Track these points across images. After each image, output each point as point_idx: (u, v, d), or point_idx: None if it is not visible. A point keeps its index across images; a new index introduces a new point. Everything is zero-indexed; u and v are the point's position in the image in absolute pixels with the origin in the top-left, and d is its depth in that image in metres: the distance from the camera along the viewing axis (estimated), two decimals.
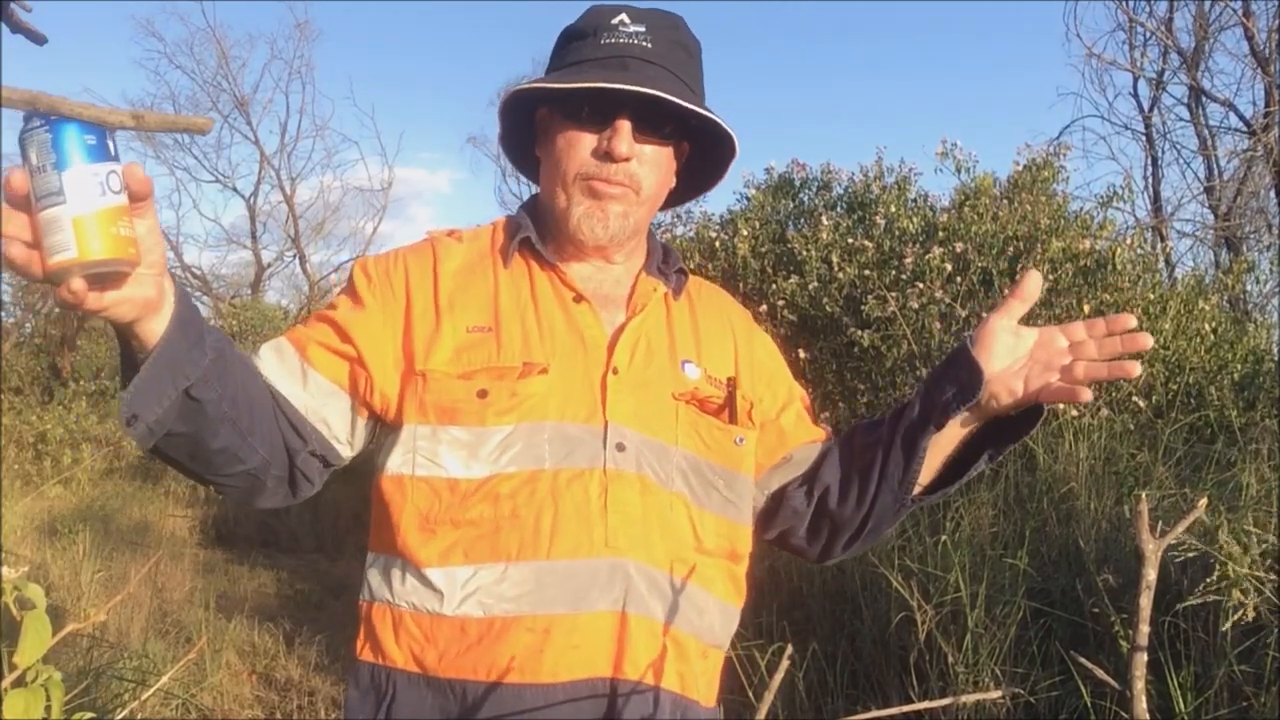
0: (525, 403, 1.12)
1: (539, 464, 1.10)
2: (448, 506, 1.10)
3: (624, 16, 1.20)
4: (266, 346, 1.18)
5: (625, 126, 1.16)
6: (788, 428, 1.31)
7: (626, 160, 1.17)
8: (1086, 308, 4.70)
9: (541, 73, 1.28)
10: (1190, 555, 2.41)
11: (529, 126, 1.28)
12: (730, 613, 1.22)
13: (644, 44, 1.18)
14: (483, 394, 1.11)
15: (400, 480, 1.13)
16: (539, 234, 1.24)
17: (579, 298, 1.20)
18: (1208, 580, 2.26)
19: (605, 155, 1.17)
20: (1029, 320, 1.18)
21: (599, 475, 1.11)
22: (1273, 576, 2.37)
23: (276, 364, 1.16)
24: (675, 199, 1.34)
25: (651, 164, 1.20)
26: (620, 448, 1.13)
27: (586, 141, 1.18)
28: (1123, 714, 2.46)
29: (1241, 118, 8.81)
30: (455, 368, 1.13)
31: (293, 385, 1.15)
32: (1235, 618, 2.21)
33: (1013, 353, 1.16)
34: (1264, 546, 2.34)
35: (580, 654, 1.07)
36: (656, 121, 1.18)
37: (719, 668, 1.24)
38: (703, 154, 1.29)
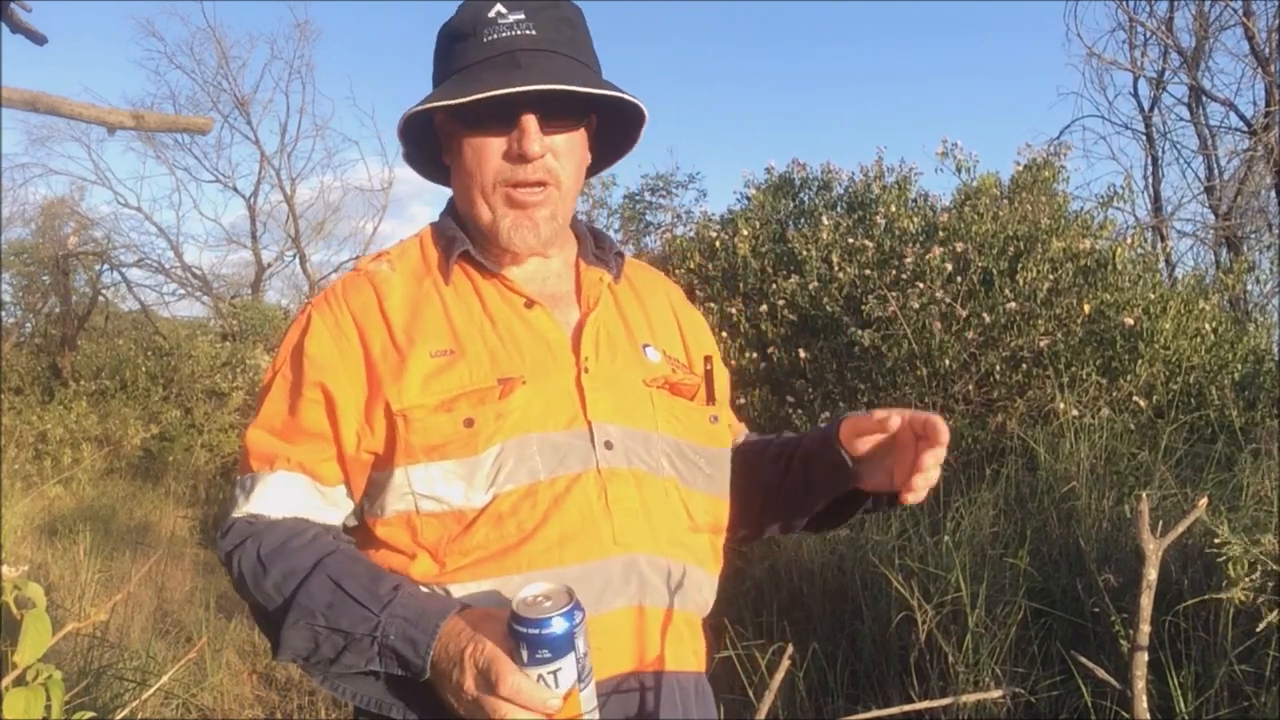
0: (509, 420, 1.10)
1: (534, 476, 1.10)
2: (454, 538, 1.09)
3: (500, 7, 1.15)
4: (288, 496, 1.14)
5: (532, 124, 1.13)
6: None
7: (540, 158, 1.14)
8: (1086, 308, 4.70)
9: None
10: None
11: (430, 133, 1.23)
12: (714, 582, 1.24)
13: (528, 32, 1.14)
14: (469, 423, 1.09)
15: (409, 519, 1.11)
16: (472, 241, 1.21)
17: (530, 302, 1.19)
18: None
19: (519, 157, 1.14)
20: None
21: (594, 476, 1.11)
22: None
23: (306, 506, 1.15)
24: (590, 170, 1.32)
25: (566, 153, 1.17)
26: (608, 445, 1.13)
27: (494, 146, 1.15)
28: (1123, 714, 2.46)
29: (1242, 117, 8.82)
30: (430, 397, 1.10)
31: (326, 514, 1.16)
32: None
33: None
34: (1265, 546, 2.34)
35: (603, 655, 1.05)
36: (560, 109, 1.14)
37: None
38: (610, 121, 1.26)
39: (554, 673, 0.94)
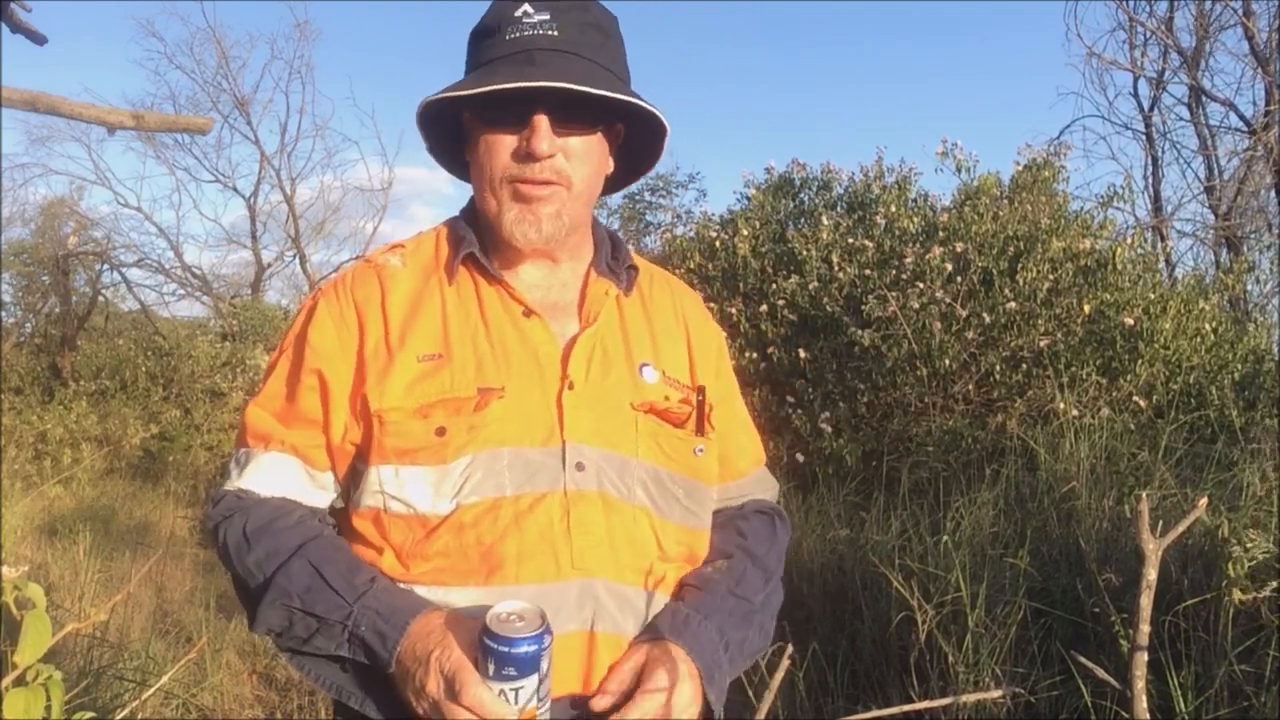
0: (483, 432, 1.11)
1: (500, 491, 1.10)
2: (417, 541, 1.11)
3: (527, 7, 1.15)
4: (278, 476, 1.18)
5: (543, 123, 1.12)
6: (728, 453, 1.31)
7: (549, 157, 1.13)
8: (1086, 307, 4.70)
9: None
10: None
11: (459, 131, 1.24)
12: None
13: (550, 32, 1.14)
14: (441, 431, 1.10)
15: (378, 516, 1.13)
16: (481, 241, 1.21)
17: (528, 311, 1.18)
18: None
19: (527, 155, 1.13)
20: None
21: (560, 497, 1.11)
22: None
23: (295, 487, 1.18)
24: (619, 182, 1.31)
25: (580, 156, 1.16)
26: (580, 467, 1.12)
27: (506, 143, 1.14)
28: (1123, 714, 2.46)
29: (1242, 117, 8.82)
30: (410, 401, 1.12)
31: (314, 497, 1.19)
32: None
33: None
34: (1265, 549, 2.34)
35: (552, 676, 1.06)
36: (576, 111, 1.13)
37: None
38: (639, 132, 1.25)
39: (516, 690, 0.97)
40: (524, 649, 0.95)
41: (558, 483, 1.11)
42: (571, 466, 1.12)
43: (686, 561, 1.21)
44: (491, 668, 0.96)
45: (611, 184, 1.30)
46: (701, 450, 1.23)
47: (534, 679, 0.97)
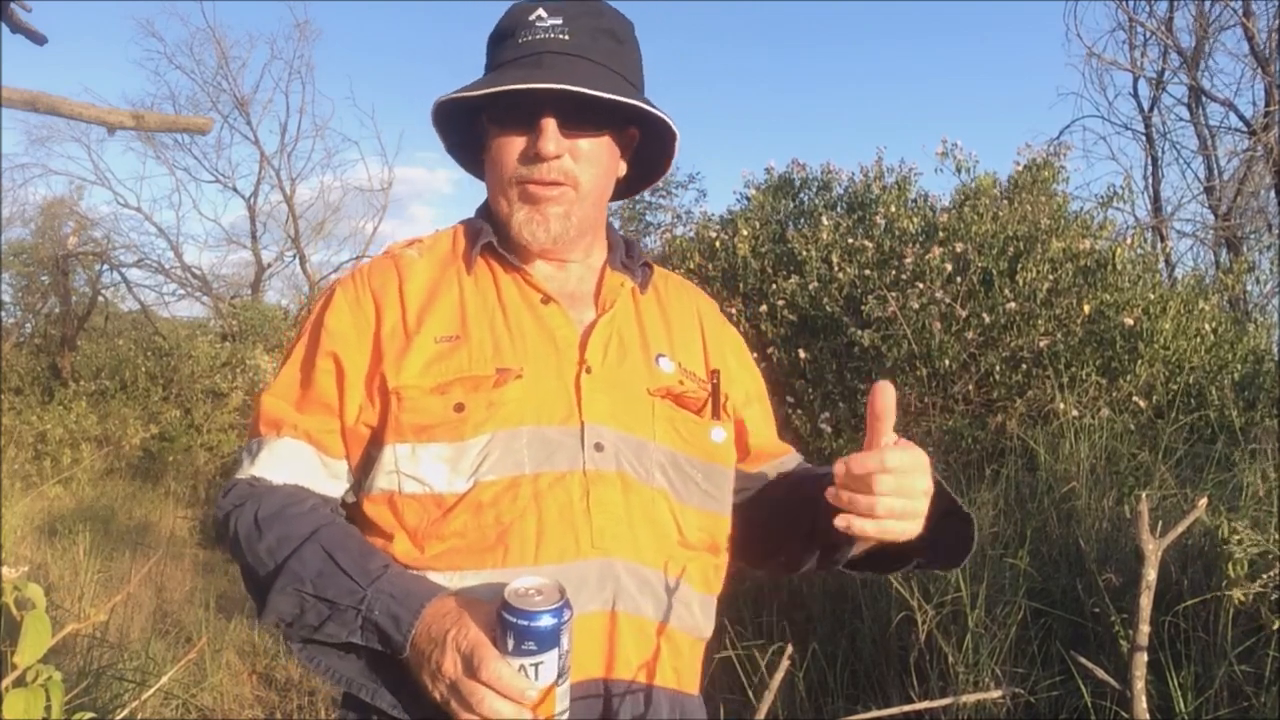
0: (501, 410, 1.11)
1: (519, 469, 1.10)
2: (433, 522, 1.10)
3: (540, 11, 1.17)
4: (291, 463, 1.17)
5: (550, 125, 1.14)
6: (753, 438, 1.32)
7: (556, 158, 1.15)
8: (1086, 308, 4.70)
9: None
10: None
11: (480, 131, 1.26)
12: (710, 604, 1.22)
13: (561, 36, 1.16)
14: (459, 408, 1.10)
15: (391, 498, 1.12)
16: (498, 237, 1.23)
17: (546, 299, 1.20)
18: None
19: (534, 156, 1.15)
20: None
21: (579, 477, 1.11)
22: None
23: (308, 474, 1.17)
24: (635, 186, 1.34)
25: (589, 158, 1.18)
26: (599, 447, 1.12)
27: (515, 144, 1.17)
28: (1123, 714, 2.46)
29: (1241, 118, 8.81)
30: (428, 380, 1.12)
31: (327, 485, 1.18)
32: None
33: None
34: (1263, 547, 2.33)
35: (573, 657, 1.04)
36: (584, 114, 1.15)
37: (701, 657, 1.25)
38: (651, 137, 1.27)
39: (535, 665, 0.95)
40: (544, 622, 0.94)
41: (577, 462, 1.11)
42: (590, 447, 1.12)
43: (708, 550, 1.21)
44: (510, 643, 0.95)
45: (626, 188, 1.32)
46: (719, 434, 1.23)
47: (554, 654, 0.96)
